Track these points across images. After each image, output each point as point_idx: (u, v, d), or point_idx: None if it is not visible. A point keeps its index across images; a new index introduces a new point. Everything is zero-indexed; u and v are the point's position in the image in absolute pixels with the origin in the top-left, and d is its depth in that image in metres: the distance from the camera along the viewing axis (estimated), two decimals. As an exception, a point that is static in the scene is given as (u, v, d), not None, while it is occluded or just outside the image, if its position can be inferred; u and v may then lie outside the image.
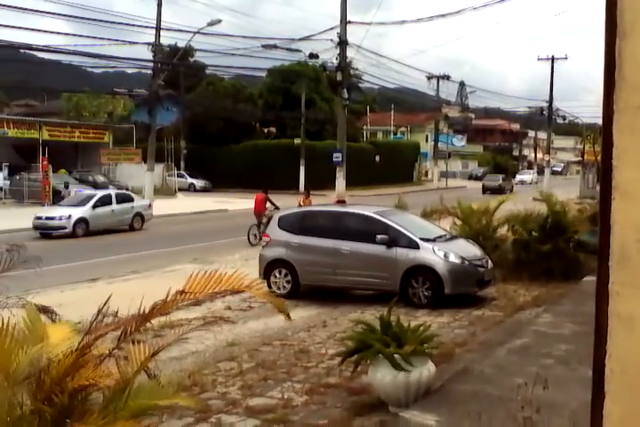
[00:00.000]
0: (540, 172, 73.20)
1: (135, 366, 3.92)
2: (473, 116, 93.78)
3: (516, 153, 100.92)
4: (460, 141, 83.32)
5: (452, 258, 12.27)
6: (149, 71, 35.58)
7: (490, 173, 74.21)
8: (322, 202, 25.72)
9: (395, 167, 58.80)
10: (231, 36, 35.60)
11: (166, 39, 55.58)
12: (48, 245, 20.39)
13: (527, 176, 74.02)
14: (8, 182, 37.03)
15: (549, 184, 52.89)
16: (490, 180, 56.46)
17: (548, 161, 61.63)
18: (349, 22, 29.82)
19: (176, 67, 45.22)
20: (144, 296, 5.15)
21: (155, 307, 3.91)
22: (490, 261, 13.05)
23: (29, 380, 3.69)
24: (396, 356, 6.42)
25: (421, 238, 12.52)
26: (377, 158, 57.81)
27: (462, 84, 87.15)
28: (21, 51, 42.98)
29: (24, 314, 4.13)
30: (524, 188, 54.01)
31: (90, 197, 25.98)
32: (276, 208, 21.14)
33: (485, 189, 52.08)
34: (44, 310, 5.63)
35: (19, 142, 41.11)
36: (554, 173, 75.77)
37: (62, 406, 3.62)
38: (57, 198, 35.01)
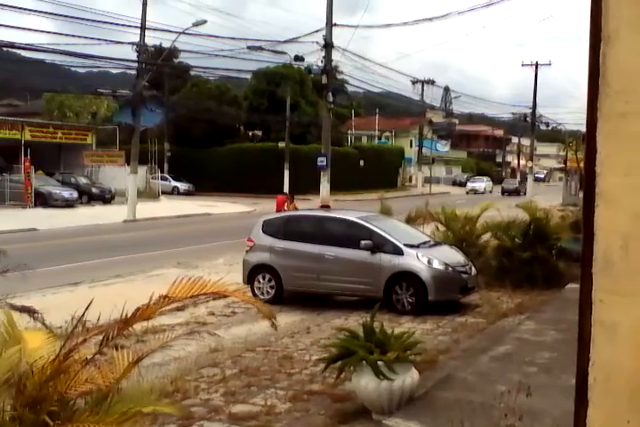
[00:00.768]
0: (523, 179, 73.10)
1: (118, 372, 3.89)
2: (457, 121, 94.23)
3: (499, 159, 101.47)
4: (443, 147, 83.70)
5: (436, 264, 12.30)
6: (134, 72, 35.36)
7: (473, 178, 76.37)
8: (306, 206, 25.67)
9: (379, 172, 58.97)
10: (216, 37, 35.32)
11: (151, 39, 55.45)
12: None
13: (479, 184, 66.91)
14: (-11, 184, 36.66)
15: (532, 191, 53.47)
16: (508, 183, 66.83)
17: (531, 168, 62.07)
18: (335, 25, 29.88)
19: (160, 67, 45.03)
20: (126, 301, 5.13)
21: (137, 311, 3.88)
22: (473, 268, 13.09)
23: (9, 385, 3.65)
24: (380, 363, 6.42)
25: (405, 244, 12.54)
26: (361, 163, 57.94)
27: (447, 90, 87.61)
28: (3, 49, 42.55)
29: (1, 318, 4.08)
30: (473, 198, 43.18)
31: None
32: (296, 209, 21.59)
33: (504, 191, 61.15)
34: (26, 310, 5.59)
35: (0, 143, 40.72)
36: (537, 179, 76.01)
37: (44, 411, 3.58)
38: (39, 200, 34.77)
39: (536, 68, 56.49)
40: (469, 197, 50.49)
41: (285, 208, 21.94)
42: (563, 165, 67.49)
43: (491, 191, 64.16)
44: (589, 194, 2.05)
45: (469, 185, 66.34)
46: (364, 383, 6.47)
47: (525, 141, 79.30)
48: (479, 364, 8.10)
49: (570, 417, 2.21)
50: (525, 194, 55.63)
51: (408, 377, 6.54)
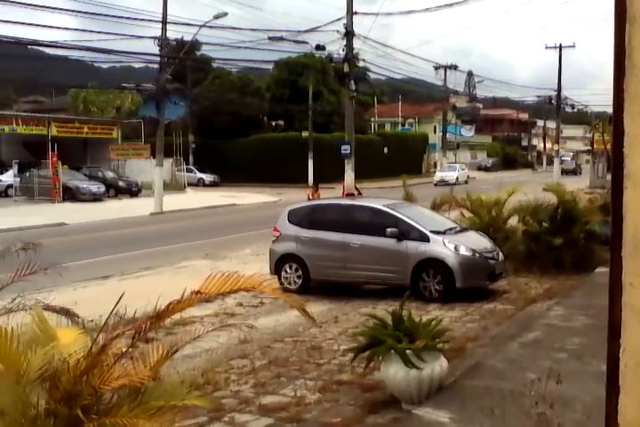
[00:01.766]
0: (550, 161, 72.25)
1: (151, 365, 3.94)
2: (481, 106, 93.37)
3: (524, 143, 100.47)
4: (468, 132, 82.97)
5: (463, 251, 12.22)
6: (156, 65, 35.50)
7: (499, 163, 76.23)
8: (331, 195, 25.64)
9: (403, 159, 58.66)
10: (237, 28, 35.34)
11: (173, 33, 55.60)
12: None
13: (450, 173, 54.05)
14: (18, 179, 37.15)
15: (559, 174, 52.92)
16: (567, 164, 69.81)
17: (558, 151, 61.28)
18: (356, 13, 29.70)
19: (183, 61, 45.18)
20: (159, 294, 5.18)
21: (169, 306, 3.93)
22: (501, 254, 12.99)
23: (44, 380, 3.72)
24: (408, 351, 6.41)
25: (432, 231, 12.48)
26: (385, 150, 57.71)
27: (470, 74, 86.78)
28: (28, 47, 42.96)
29: (34, 316, 4.15)
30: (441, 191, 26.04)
31: None
32: (359, 193, 25.43)
33: (563, 171, 62.74)
34: (65, 312, 5.63)
35: (28, 139, 41.22)
36: (563, 162, 75.16)
37: (78, 406, 3.64)
38: (67, 195, 35.18)
39: (560, 50, 55.70)
40: (494, 181, 47.73)
41: (310, 197, 21.96)
42: (589, 148, 66.67)
43: (466, 181, 52.11)
44: (618, 176, 2.03)
45: (438, 175, 53.92)
46: (393, 373, 6.47)
47: (551, 124, 78.29)
48: (508, 351, 8.06)
49: (601, 403, 2.19)
50: (581, 173, 57.98)
51: (437, 366, 6.53)
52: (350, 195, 24.69)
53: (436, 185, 47.24)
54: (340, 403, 6.90)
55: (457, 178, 51.96)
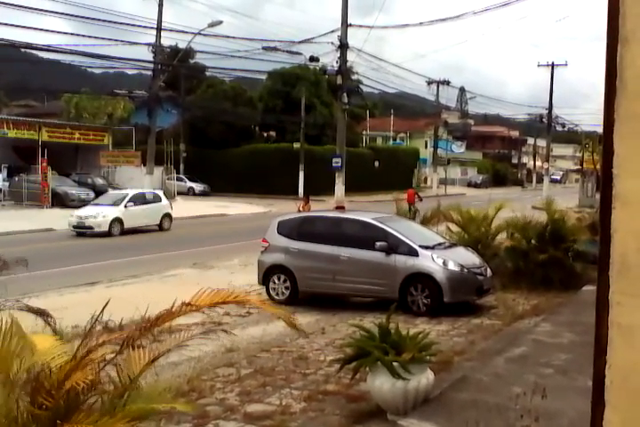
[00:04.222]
0: (539, 179, 72.54)
1: (135, 371, 3.93)
2: (472, 122, 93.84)
3: (515, 160, 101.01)
4: (459, 148, 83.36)
5: (451, 266, 12.26)
6: (150, 72, 35.58)
7: (489, 180, 76.38)
8: (321, 207, 25.67)
9: (394, 173, 58.78)
10: (232, 37, 35.37)
11: (167, 40, 55.62)
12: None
13: (100, 211, 25.62)
14: (7, 184, 36.97)
15: (548, 193, 53.23)
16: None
17: (547, 169, 61.63)
18: (350, 25, 29.90)
19: (176, 68, 45.22)
20: (149, 304, 5.18)
21: (159, 316, 3.95)
22: (489, 270, 13.04)
23: (26, 385, 3.71)
24: (395, 364, 6.42)
25: (420, 246, 12.52)
26: (376, 164, 57.87)
27: (462, 90, 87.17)
28: (21, 50, 42.96)
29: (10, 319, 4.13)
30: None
31: None
32: (420, 200, 28.42)
33: None
34: (41, 312, 5.64)
35: (18, 143, 41.03)
36: (552, 181, 75.49)
37: (59, 409, 3.63)
38: (56, 200, 35.01)
39: (552, 68, 56.16)
40: (486, 197, 40.79)
41: (301, 209, 21.98)
42: (579, 167, 67.12)
43: (161, 226, 27.54)
44: (606, 196, 2.05)
45: (76, 214, 25.78)
46: (379, 384, 6.48)
47: (541, 142, 78.87)
48: (495, 365, 8.07)
49: (586, 418, 2.21)
50: None
51: (423, 378, 6.54)
52: (340, 208, 24.71)
53: (75, 232, 25.17)
54: (326, 413, 6.89)
55: (116, 220, 25.62)
